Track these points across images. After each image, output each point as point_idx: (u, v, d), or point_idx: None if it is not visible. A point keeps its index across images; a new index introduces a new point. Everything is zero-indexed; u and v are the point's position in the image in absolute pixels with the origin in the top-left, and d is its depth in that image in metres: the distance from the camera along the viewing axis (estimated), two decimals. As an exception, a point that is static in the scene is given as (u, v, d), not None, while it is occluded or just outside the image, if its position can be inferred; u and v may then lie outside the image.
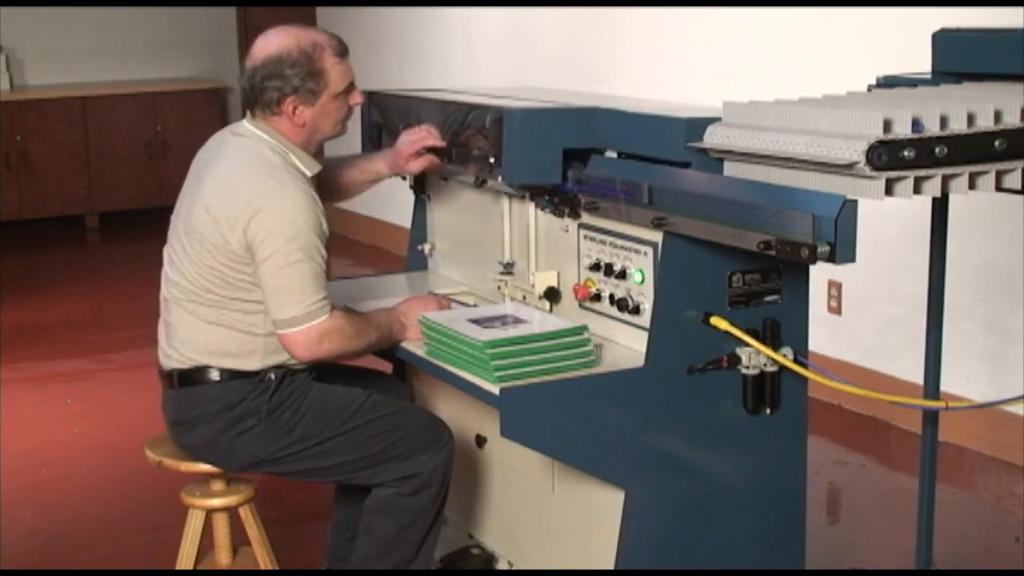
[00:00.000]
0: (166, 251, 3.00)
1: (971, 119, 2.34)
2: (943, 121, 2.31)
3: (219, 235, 2.81)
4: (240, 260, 2.82)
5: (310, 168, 2.93)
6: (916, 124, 2.27)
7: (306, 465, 2.94)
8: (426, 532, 2.96)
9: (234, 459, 2.95)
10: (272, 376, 2.90)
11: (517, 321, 2.83)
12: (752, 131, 2.47)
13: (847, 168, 2.25)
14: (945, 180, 2.31)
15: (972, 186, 2.35)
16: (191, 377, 2.92)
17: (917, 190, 2.29)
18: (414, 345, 2.94)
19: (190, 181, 2.98)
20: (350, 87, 2.94)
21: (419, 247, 3.55)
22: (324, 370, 3.06)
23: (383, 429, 2.91)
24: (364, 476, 2.94)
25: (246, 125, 2.94)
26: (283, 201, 2.79)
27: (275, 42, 2.88)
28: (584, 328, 2.71)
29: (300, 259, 2.79)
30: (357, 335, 2.89)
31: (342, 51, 2.91)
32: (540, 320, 2.85)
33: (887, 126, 2.25)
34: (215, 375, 2.90)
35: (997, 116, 2.36)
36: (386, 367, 3.39)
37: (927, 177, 2.29)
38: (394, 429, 2.92)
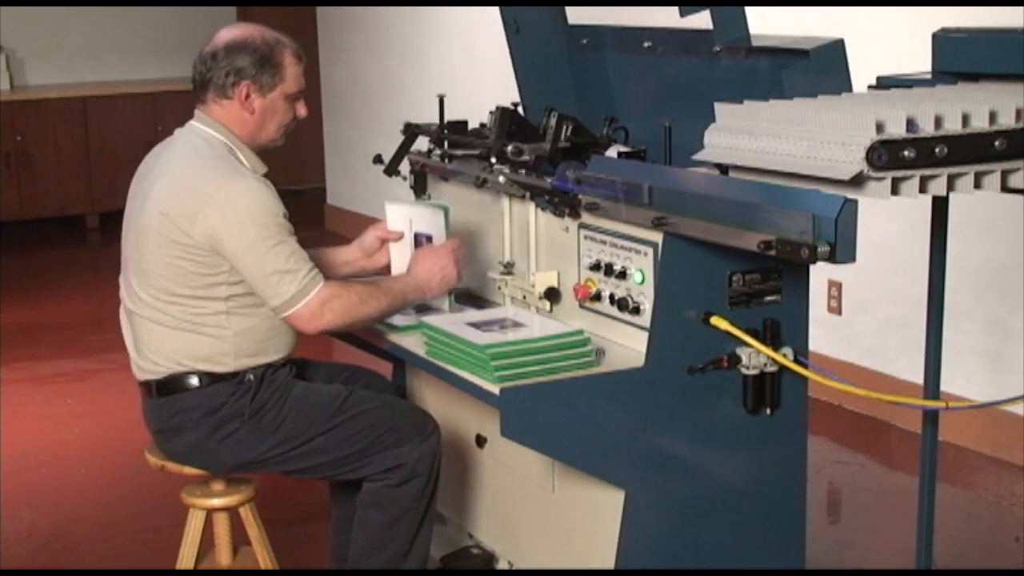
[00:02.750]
0: (122, 267, 3.00)
1: (966, 119, 2.33)
2: (938, 121, 2.31)
3: (179, 231, 2.81)
4: (202, 252, 2.81)
5: (257, 168, 2.95)
6: (911, 124, 2.27)
7: (292, 465, 2.95)
8: (419, 524, 2.96)
9: (221, 463, 2.96)
10: (251, 377, 2.90)
11: (516, 325, 2.82)
12: (749, 137, 2.46)
13: (852, 181, 2.25)
14: (951, 179, 2.31)
15: (978, 185, 2.35)
16: (169, 386, 2.92)
17: (923, 189, 2.29)
18: (414, 345, 2.93)
19: (136, 189, 2.99)
20: (299, 94, 2.97)
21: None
22: (305, 367, 3.07)
23: (366, 424, 2.92)
24: (351, 471, 2.95)
25: (192, 123, 2.97)
26: (244, 192, 2.81)
27: (239, 31, 2.95)
28: (582, 333, 2.71)
29: (279, 240, 2.80)
30: (362, 301, 2.88)
31: (301, 57, 2.97)
32: (540, 324, 2.84)
33: (880, 127, 2.24)
34: (194, 381, 2.90)
35: (992, 117, 2.36)
36: (386, 367, 3.39)
37: (933, 176, 2.29)
38: (377, 424, 2.92)
